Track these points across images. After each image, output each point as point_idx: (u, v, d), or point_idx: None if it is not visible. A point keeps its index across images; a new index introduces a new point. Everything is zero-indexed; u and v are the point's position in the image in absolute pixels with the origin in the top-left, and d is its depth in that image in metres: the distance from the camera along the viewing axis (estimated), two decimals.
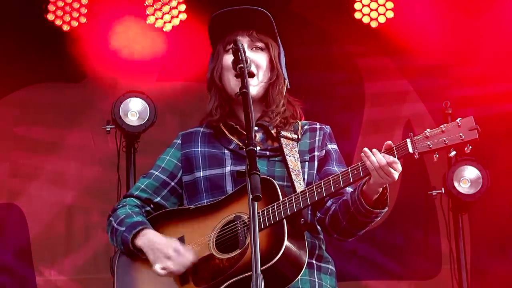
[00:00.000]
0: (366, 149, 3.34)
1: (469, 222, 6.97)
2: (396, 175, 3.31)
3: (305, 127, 3.77)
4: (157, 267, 3.49)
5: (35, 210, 7.02)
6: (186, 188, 3.73)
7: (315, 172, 3.66)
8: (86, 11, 6.99)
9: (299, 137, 3.71)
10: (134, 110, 6.52)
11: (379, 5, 7.14)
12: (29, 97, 7.12)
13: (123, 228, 3.61)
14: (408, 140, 3.30)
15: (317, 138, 3.73)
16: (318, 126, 3.78)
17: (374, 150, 3.33)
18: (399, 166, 3.31)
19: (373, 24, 7.16)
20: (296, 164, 3.60)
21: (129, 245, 3.57)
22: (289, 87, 3.78)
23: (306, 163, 3.66)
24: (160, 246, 3.52)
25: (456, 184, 6.57)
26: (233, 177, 3.61)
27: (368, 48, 7.30)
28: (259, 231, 3.24)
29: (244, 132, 3.60)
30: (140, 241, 3.56)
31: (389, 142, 3.35)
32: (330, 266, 3.67)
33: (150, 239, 3.56)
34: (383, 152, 3.32)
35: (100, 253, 6.84)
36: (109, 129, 6.57)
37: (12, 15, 6.96)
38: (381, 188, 3.38)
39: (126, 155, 6.59)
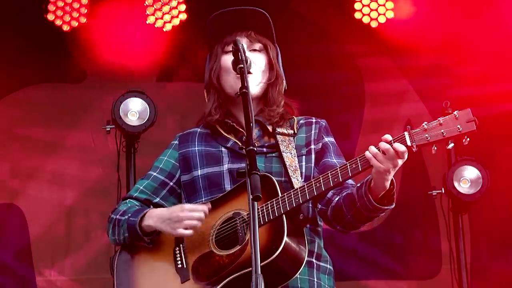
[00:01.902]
0: (372, 147, 3.33)
1: (469, 222, 6.97)
2: (399, 161, 3.29)
3: (301, 121, 3.78)
4: (180, 231, 3.49)
5: (35, 210, 7.02)
6: (184, 187, 3.74)
7: (312, 165, 3.67)
8: (86, 11, 6.98)
9: (295, 132, 3.73)
10: (134, 110, 6.51)
11: (379, 5, 7.14)
12: (29, 97, 7.12)
13: (128, 216, 3.62)
14: (406, 133, 3.31)
15: (313, 132, 3.74)
16: (313, 120, 3.79)
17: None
18: (401, 148, 3.28)
19: (373, 24, 7.16)
20: (293, 160, 3.61)
21: (136, 228, 3.56)
22: (286, 88, 3.79)
23: (303, 156, 3.67)
24: (168, 215, 3.53)
25: (456, 184, 6.57)
26: (231, 174, 3.62)
27: (368, 48, 7.31)
28: (258, 227, 3.26)
29: (242, 130, 3.66)
30: (148, 221, 3.57)
31: (387, 135, 3.35)
32: (328, 266, 3.68)
33: (157, 215, 3.57)
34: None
35: (100, 253, 6.83)
36: (109, 129, 6.56)
37: (12, 15, 6.95)
38: (388, 184, 3.38)
39: (126, 155, 6.58)
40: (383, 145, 3.30)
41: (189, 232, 3.49)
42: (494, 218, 6.92)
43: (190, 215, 3.49)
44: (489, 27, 6.94)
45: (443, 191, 6.65)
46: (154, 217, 3.57)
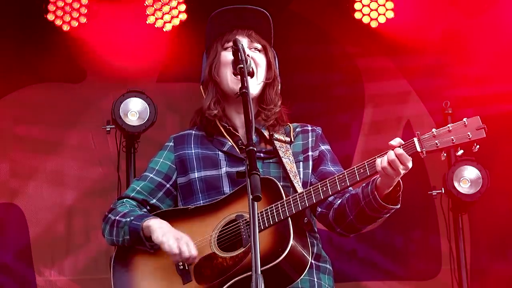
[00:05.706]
0: (381, 160, 3.33)
1: (469, 222, 6.96)
2: (401, 168, 3.30)
3: (297, 129, 3.80)
4: (164, 240, 3.46)
5: (35, 210, 7.01)
6: (181, 190, 3.74)
7: (310, 171, 3.69)
8: (86, 11, 6.98)
9: (292, 139, 3.74)
10: (134, 110, 6.50)
11: (379, 5, 7.14)
12: (29, 97, 7.11)
13: (130, 218, 3.60)
14: (416, 139, 3.32)
15: (310, 139, 3.76)
16: (309, 128, 3.81)
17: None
18: (409, 163, 3.30)
19: (373, 24, 7.15)
20: (292, 166, 3.63)
21: (139, 232, 3.55)
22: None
23: (301, 163, 3.69)
24: (172, 230, 3.51)
25: (456, 184, 6.56)
26: (230, 178, 3.62)
27: (368, 48, 7.30)
28: (264, 229, 3.27)
29: (237, 134, 3.69)
30: (149, 222, 3.54)
31: (398, 139, 3.36)
32: (328, 266, 3.69)
33: (162, 222, 3.56)
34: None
35: (100, 253, 6.83)
36: (109, 129, 6.56)
37: (12, 15, 6.95)
38: (394, 184, 3.38)
39: (126, 155, 6.58)
40: (391, 157, 3.29)
41: (167, 248, 3.44)
42: (494, 218, 6.91)
43: (184, 245, 3.45)
44: (489, 27, 6.94)
45: (443, 191, 6.64)
46: (158, 222, 3.56)
